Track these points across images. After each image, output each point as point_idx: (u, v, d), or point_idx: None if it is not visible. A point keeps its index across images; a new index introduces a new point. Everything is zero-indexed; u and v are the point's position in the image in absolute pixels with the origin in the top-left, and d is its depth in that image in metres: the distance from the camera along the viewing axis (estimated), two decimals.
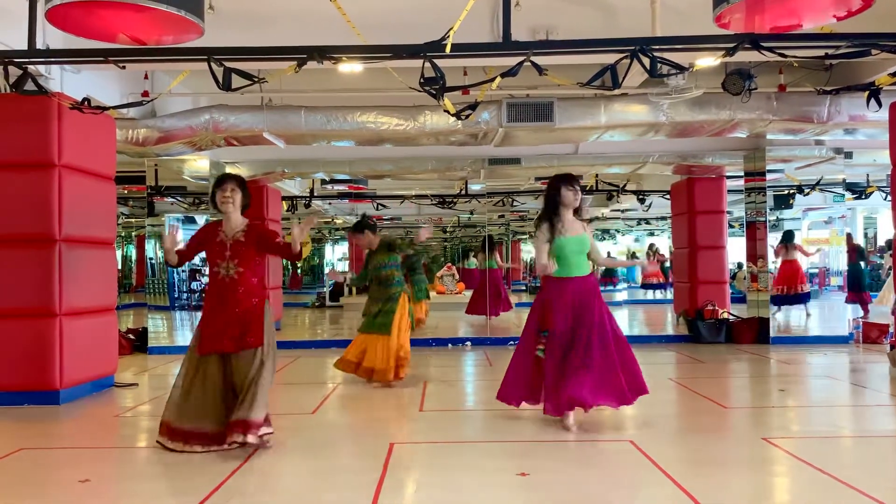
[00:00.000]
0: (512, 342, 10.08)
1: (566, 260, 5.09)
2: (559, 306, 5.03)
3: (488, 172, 10.83)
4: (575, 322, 5.00)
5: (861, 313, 11.88)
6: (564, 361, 4.93)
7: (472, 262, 14.37)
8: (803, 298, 10.61)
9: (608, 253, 5.03)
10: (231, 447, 4.36)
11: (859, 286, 12.37)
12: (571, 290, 5.06)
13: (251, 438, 4.27)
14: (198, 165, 9.70)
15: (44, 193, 6.09)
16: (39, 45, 5.15)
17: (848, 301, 10.78)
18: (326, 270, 7.72)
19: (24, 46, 4.97)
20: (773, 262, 10.43)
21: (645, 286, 20.83)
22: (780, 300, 10.55)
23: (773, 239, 10.41)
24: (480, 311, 12.94)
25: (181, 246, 4.73)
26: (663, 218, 19.84)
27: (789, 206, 10.33)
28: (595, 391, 4.86)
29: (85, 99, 5.57)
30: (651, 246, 21.41)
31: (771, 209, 10.25)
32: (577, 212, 5.19)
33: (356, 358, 6.78)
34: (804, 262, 10.70)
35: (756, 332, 9.96)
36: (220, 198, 4.57)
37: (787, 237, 10.61)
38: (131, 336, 9.72)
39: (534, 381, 5.10)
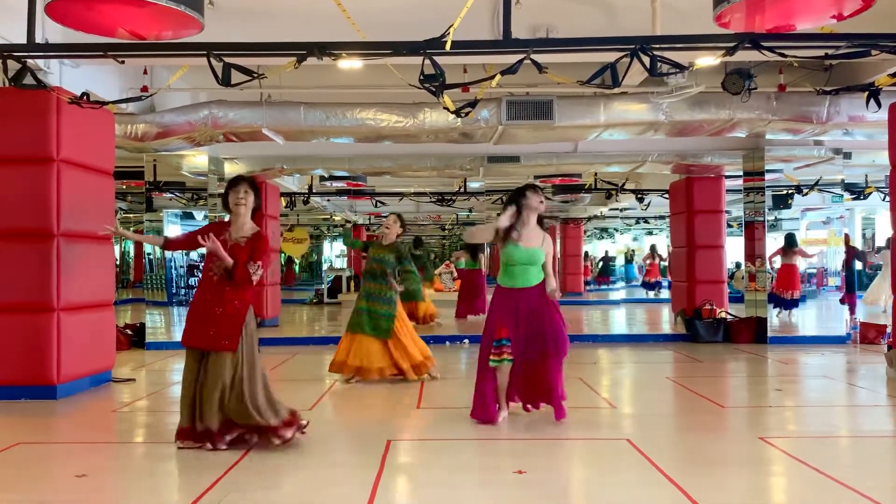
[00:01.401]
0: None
1: (511, 269, 5.02)
2: (507, 316, 4.99)
3: (487, 170, 10.84)
4: (526, 330, 4.98)
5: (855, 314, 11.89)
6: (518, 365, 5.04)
7: (461, 263, 14.41)
8: (794, 303, 10.65)
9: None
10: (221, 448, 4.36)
11: (851, 287, 12.40)
12: (518, 300, 4.99)
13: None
14: (196, 161, 9.69)
15: (42, 188, 6.08)
16: (38, 39, 5.14)
17: (842, 302, 10.80)
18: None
19: (23, 40, 4.96)
20: (773, 266, 10.46)
21: (645, 285, 20.84)
22: (776, 301, 10.58)
23: (772, 239, 10.41)
24: (463, 312, 13.18)
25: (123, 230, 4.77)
26: (662, 217, 19.86)
27: (788, 206, 10.33)
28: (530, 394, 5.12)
29: (84, 93, 5.56)
30: (652, 247, 21.43)
31: (769, 209, 10.25)
32: (540, 222, 5.13)
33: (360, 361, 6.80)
34: (803, 264, 10.73)
35: (754, 332, 9.97)
36: (234, 199, 4.54)
37: (789, 241, 10.62)
38: (129, 331, 9.70)
39: (498, 390, 5.13)
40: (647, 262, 21.04)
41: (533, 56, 4.73)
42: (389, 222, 7.08)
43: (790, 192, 10.27)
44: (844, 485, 3.67)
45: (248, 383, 4.38)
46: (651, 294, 19.96)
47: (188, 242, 4.81)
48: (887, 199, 8.56)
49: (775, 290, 10.51)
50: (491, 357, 5.02)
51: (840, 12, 4.13)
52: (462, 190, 14.19)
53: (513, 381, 5.12)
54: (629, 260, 26.70)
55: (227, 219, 4.66)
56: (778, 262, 10.66)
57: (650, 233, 25.81)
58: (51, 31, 5.54)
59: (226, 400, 4.36)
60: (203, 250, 4.60)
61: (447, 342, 10.04)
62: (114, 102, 5.92)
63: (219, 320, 4.40)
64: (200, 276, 4.66)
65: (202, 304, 4.47)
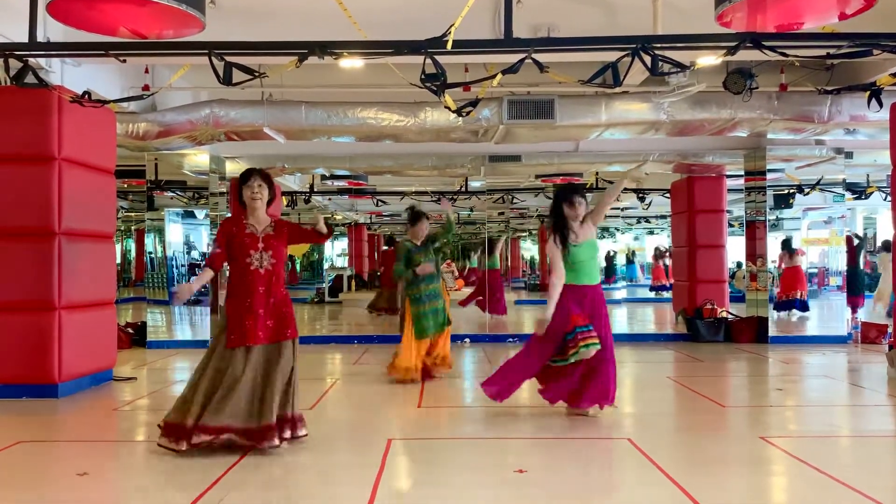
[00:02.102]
0: (511, 339, 10.11)
1: (579, 266, 5.19)
2: (578, 311, 5.13)
3: (488, 169, 10.84)
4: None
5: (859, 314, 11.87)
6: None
7: (474, 261, 14.53)
8: (804, 305, 10.63)
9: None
10: (270, 446, 4.22)
11: (856, 288, 12.35)
12: (584, 297, 5.18)
13: (300, 432, 4.40)
14: (198, 160, 9.69)
15: (44, 187, 6.09)
16: (40, 37, 5.15)
17: (849, 304, 10.79)
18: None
19: (24, 39, 4.97)
20: (777, 268, 10.45)
21: (653, 288, 20.78)
22: (784, 305, 10.57)
23: (773, 238, 10.40)
24: (477, 304, 13.10)
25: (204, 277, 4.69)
26: (663, 216, 19.85)
27: (789, 206, 10.32)
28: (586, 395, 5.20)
29: (85, 92, 5.56)
30: (656, 249, 21.39)
31: (771, 209, 10.25)
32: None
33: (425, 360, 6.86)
34: (804, 264, 10.71)
35: (755, 332, 9.97)
36: (250, 194, 4.51)
37: (787, 245, 10.62)
38: (130, 330, 9.72)
39: (524, 378, 5.32)
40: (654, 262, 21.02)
41: (534, 55, 4.73)
42: (425, 224, 7.03)
43: (791, 191, 10.26)
44: (845, 484, 3.67)
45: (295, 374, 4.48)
46: (653, 295, 19.91)
47: (225, 251, 4.54)
48: (888, 198, 8.55)
49: (783, 294, 10.49)
50: (573, 351, 5.05)
51: (842, 12, 4.12)
52: (463, 189, 14.19)
53: (562, 380, 5.20)
54: (630, 260, 26.68)
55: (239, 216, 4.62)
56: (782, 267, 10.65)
57: (651, 232, 25.79)
58: (52, 29, 5.54)
59: (289, 389, 4.38)
60: (205, 249, 4.54)
61: None
62: (115, 101, 5.92)
63: (275, 311, 4.43)
64: (234, 275, 4.48)
65: (257, 297, 4.39)
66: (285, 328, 4.46)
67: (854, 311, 11.26)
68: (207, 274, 4.65)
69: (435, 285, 6.96)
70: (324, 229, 4.65)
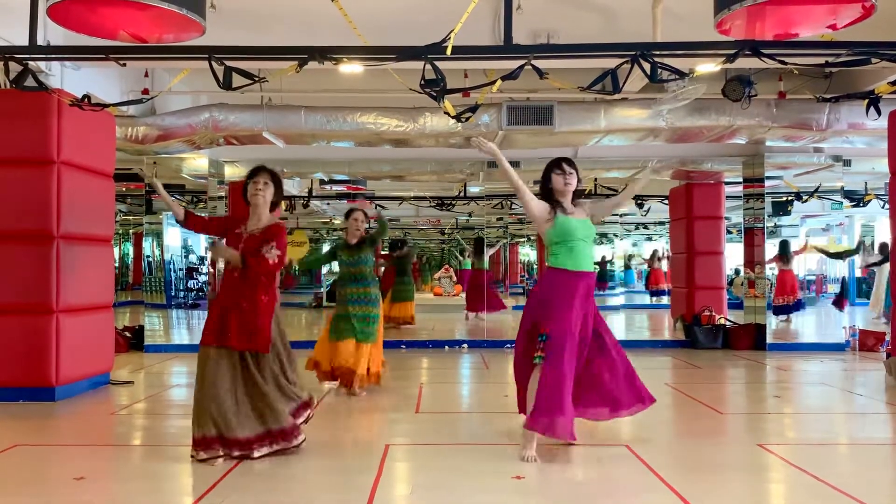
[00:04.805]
0: (509, 346, 10.10)
1: (574, 247, 4.38)
2: (566, 305, 4.32)
3: (487, 175, 10.85)
4: (583, 325, 4.48)
5: (854, 321, 11.87)
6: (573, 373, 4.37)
7: (467, 263, 14.59)
8: (800, 306, 10.65)
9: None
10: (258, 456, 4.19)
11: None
12: (581, 286, 4.39)
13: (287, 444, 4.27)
14: (196, 164, 9.69)
15: (42, 190, 6.09)
16: (40, 41, 5.15)
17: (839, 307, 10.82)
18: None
19: (24, 42, 4.97)
20: (772, 270, 10.47)
21: (652, 293, 20.78)
22: (783, 309, 10.57)
23: (771, 245, 10.43)
24: (473, 308, 13.27)
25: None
26: (661, 223, 19.88)
27: (787, 213, 10.34)
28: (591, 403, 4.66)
29: (85, 96, 5.57)
30: (654, 252, 21.40)
31: (769, 216, 10.27)
32: (575, 196, 4.55)
33: (330, 364, 6.45)
34: (801, 270, 10.74)
35: (753, 338, 9.97)
36: (253, 189, 4.40)
37: (784, 248, 10.65)
38: (128, 334, 9.70)
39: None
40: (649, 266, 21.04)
41: (533, 62, 4.74)
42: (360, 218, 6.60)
43: (790, 198, 10.29)
44: (843, 492, 3.67)
45: (278, 381, 4.33)
46: (653, 301, 19.93)
47: (203, 226, 4.70)
48: (887, 206, 8.56)
49: (780, 298, 10.51)
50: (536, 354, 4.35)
51: (840, 21, 4.14)
52: (462, 194, 14.20)
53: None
54: (628, 265, 26.71)
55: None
56: (776, 269, 10.68)
57: (650, 238, 25.82)
58: (52, 33, 5.54)
59: (263, 404, 4.21)
60: (203, 253, 4.57)
61: (446, 346, 10.05)
62: (115, 105, 5.92)
63: (247, 318, 4.19)
64: (223, 273, 4.49)
65: (226, 301, 4.26)
66: (256, 337, 4.22)
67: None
68: (179, 209, 4.71)
69: (366, 290, 6.53)
70: (236, 258, 4.25)
